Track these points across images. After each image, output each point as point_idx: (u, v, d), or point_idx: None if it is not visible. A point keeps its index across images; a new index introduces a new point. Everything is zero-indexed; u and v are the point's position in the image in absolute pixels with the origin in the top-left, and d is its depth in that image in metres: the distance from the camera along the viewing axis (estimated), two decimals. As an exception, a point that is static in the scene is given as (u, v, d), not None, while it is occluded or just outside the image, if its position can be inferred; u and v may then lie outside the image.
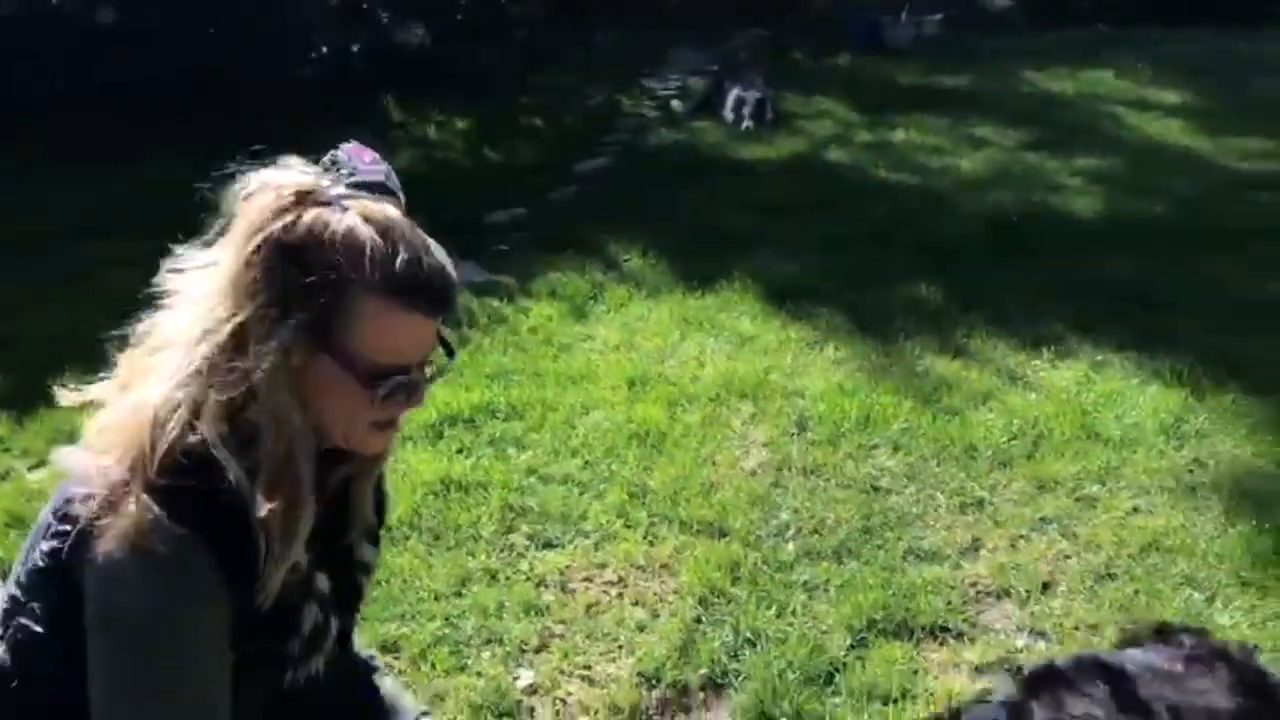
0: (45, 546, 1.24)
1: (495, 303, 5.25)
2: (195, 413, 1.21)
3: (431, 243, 1.27)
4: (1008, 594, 3.19)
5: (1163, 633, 1.26)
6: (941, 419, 4.03)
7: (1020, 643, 3.00)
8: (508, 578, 3.28)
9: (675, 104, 9.07)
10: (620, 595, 3.23)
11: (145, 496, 1.18)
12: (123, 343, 1.33)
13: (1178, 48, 10.08)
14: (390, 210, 1.25)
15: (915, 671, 2.90)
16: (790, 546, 3.40)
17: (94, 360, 1.39)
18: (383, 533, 1.58)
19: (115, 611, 1.19)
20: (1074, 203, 6.44)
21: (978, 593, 3.20)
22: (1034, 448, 3.86)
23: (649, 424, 4.04)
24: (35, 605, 1.27)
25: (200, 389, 1.21)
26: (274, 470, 1.22)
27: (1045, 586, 3.21)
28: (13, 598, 1.30)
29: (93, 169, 7.44)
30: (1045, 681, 1.21)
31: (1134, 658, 1.21)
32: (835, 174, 7.14)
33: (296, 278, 1.20)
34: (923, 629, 3.04)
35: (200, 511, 1.19)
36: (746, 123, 8.28)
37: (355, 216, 1.22)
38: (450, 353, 1.38)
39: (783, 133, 8.12)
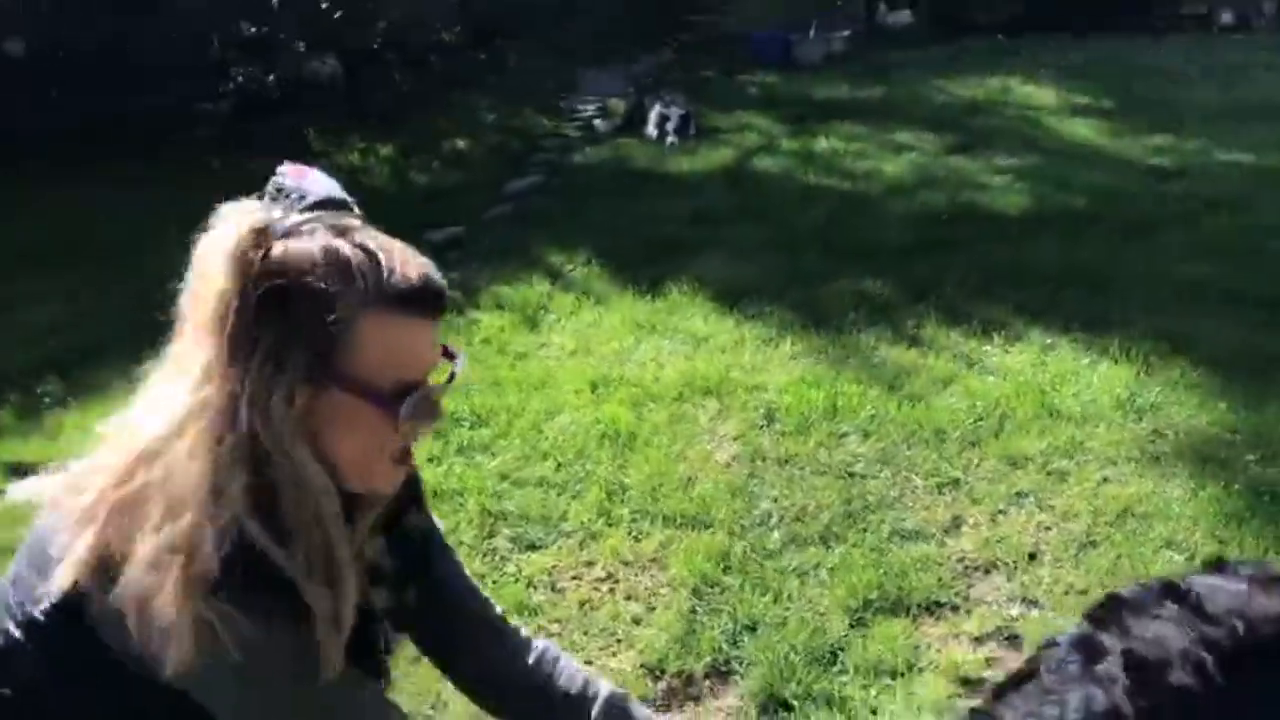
0: None
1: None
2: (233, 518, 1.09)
3: (406, 245, 1.18)
4: (995, 567, 3.23)
5: (1220, 565, 1.28)
6: (907, 405, 4.07)
7: (1014, 612, 3.03)
8: (495, 581, 3.22)
9: (597, 123, 9.10)
10: (612, 591, 3.19)
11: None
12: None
13: (1074, 56, 10.43)
14: (356, 223, 1.16)
15: (916, 646, 2.91)
16: (775, 534, 3.40)
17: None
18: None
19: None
20: (1001, 199, 6.59)
21: (966, 568, 3.23)
22: (1000, 427, 3.92)
23: (617, 424, 4.01)
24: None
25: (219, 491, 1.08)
26: (311, 551, 1.11)
27: (1031, 557, 3.25)
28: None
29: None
30: (1111, 610, 1.21)
31: (1199, 580, 1.22)
32: (765, 182, 7.22)
33: (285, 321, 1.10)
34: (918, 605, 3.06)
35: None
36: (671, 138, 8.33)
37: (326, 237, 1.12)
38: (451, 355, 1.26)
39: (707, 146, 8.19)
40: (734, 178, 7.34)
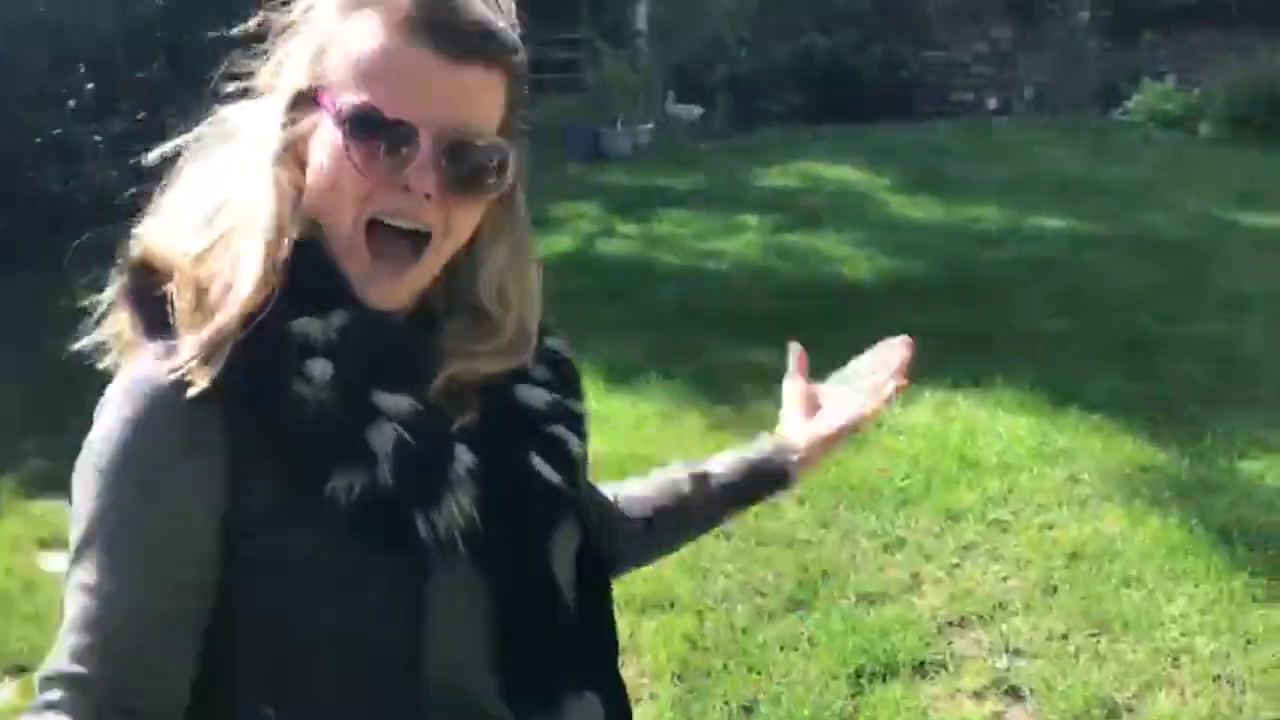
0: None
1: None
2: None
3: None
4: (969, 621, 3.18)
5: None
6: (832, 468, 4.02)
7: (1003, 663, 2.98)
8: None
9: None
10: (589, 686, 2.95)
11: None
12: None
13: (871, 139, 10.94)
14: None
15: (923, 709, 2.81)
16: (741, 609, 3.26)
17: None
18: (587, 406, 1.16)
19: None
20: (852, 270, 6.76)
21: (941, 624, 3.17)
22: (929, 483, 3.92)
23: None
24: None
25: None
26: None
27: (1000, 607, 3.23)
28: None
29: None
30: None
31: None
32: (615, 264, 7.18)
33: (292, 35, 1.00)
34: (907, 667, 2.97)
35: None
36: (502, 228, 8.21)
37: None
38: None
39: (542, 233, 8.09)
40: (581, 262, 7.26)
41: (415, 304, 1.03)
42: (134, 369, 0.95)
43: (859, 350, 1.40)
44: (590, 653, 1.09)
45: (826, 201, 8.55)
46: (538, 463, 1.04)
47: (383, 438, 0.94)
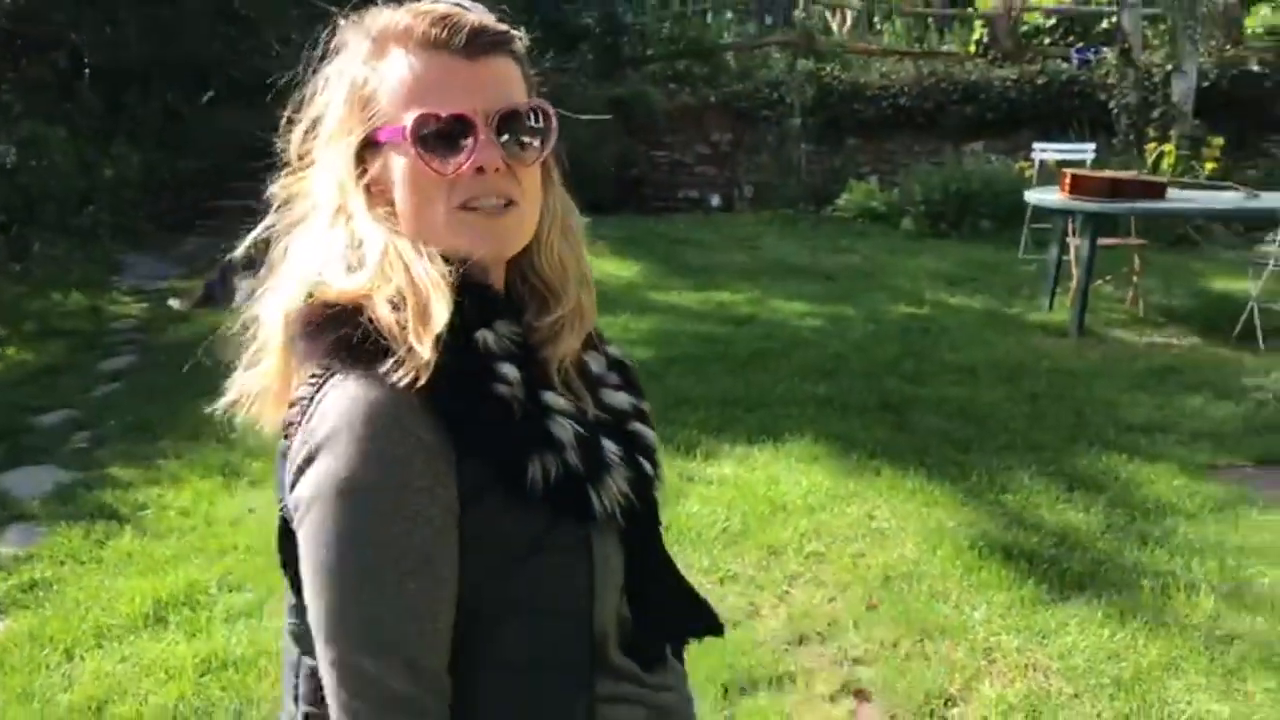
0: None
1: (117, 492, 4.68)
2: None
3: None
4: (809, 638, 3.53)
5: None
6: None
7: (846, 671, 3.34)
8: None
9: (173, 302, 8.61)
10: None
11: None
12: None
13: (614, 230, 11.51)
14: None
15: (788, 714, 3.12)
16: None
17: None
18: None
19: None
20: (632, 349, 7.14)
21: (784, 643, 3.50)
22: (746, 524, 4.28)
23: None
24: None
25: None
26: (386, 270, 1.10)
27: (833, 624, 3.60)
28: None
29: None
30: None
31: None
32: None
33: (335, 88, 1.17)
34: (765, 680, 3.28)
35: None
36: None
37: (383, 8, 1.18)
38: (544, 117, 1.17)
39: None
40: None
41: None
42: (353, 395, 1.04)
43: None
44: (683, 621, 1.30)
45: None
46: (641, 455, 1.21)
47: (564, 430, 1.11)
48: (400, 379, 1.03)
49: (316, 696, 1.11)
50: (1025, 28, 15.09)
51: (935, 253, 10.36)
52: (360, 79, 1.15)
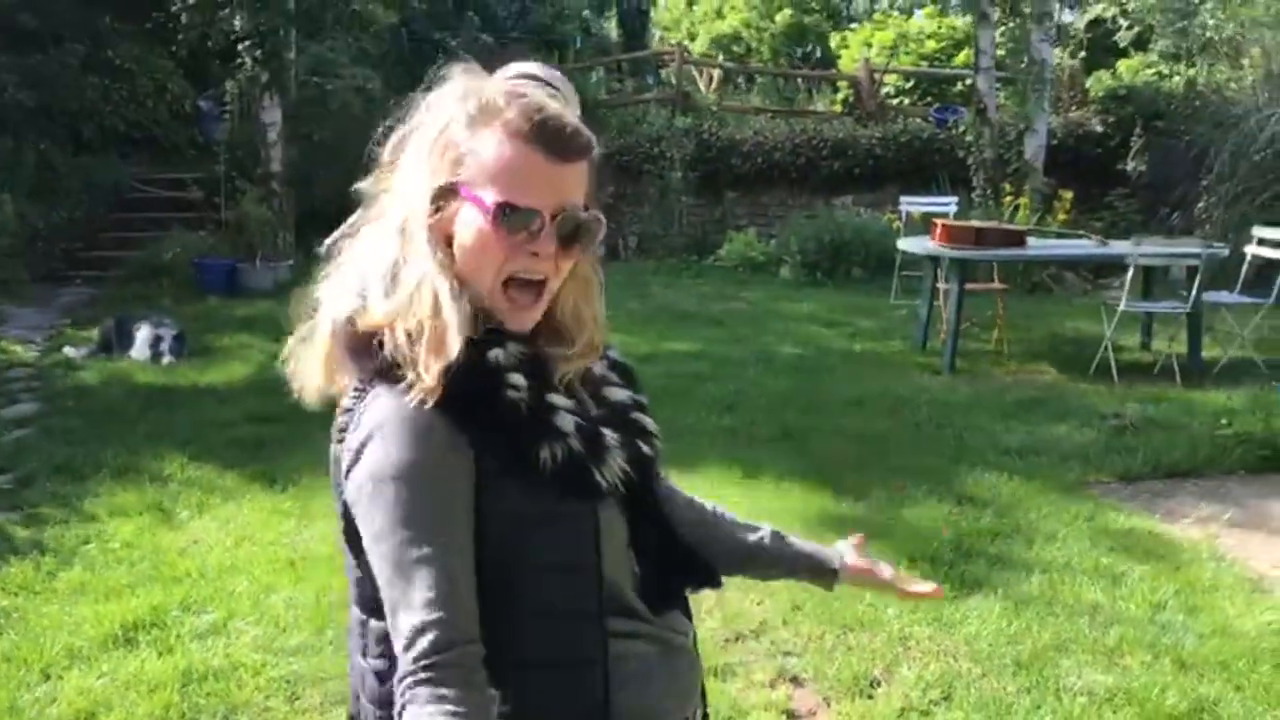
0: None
1: (54, 530, 4.76)
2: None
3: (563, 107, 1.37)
4: (744, 636, 3.88)
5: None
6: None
7: (780, 662, 3.70)
8: (340, 729, 3.20)
9: (69, 350, 8.56)
10: None
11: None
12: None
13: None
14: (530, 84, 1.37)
15: (734, 699, 3.46)
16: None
17: None
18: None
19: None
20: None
21: (722, 641, 3.85)
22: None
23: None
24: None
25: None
26: (408, 299, 1.32)
27: (764, 624, 3.96)
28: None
29: None
30: None
31: None
32: (305, 387, 7.37)
33: (448, 137, 1.34)
34: (710, 672, 3.59)
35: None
36: (168, 358, 8.13)
37: (499, 83, 1.37)
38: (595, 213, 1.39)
39: (215, 363, 8.13)
40: (266, 386, 7.41)
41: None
42: (388, 405, 1.29)
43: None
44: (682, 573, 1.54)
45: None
46: (639, 438, 1.44)
47: (566, 422, 1.34)
48: (412, 399, 1.27)
49: (381, 650, 1.34)
50: (886, 89, 16.04)
51: (813, 299, 10.94)
52: (456, 139, 1.34)
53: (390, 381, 1.30)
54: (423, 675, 1.21)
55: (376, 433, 1.28)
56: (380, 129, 1.42)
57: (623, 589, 1.41)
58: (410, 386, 1.28)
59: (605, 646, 1.36)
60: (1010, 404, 7.09)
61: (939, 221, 8.56)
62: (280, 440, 6.12)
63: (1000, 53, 12.85)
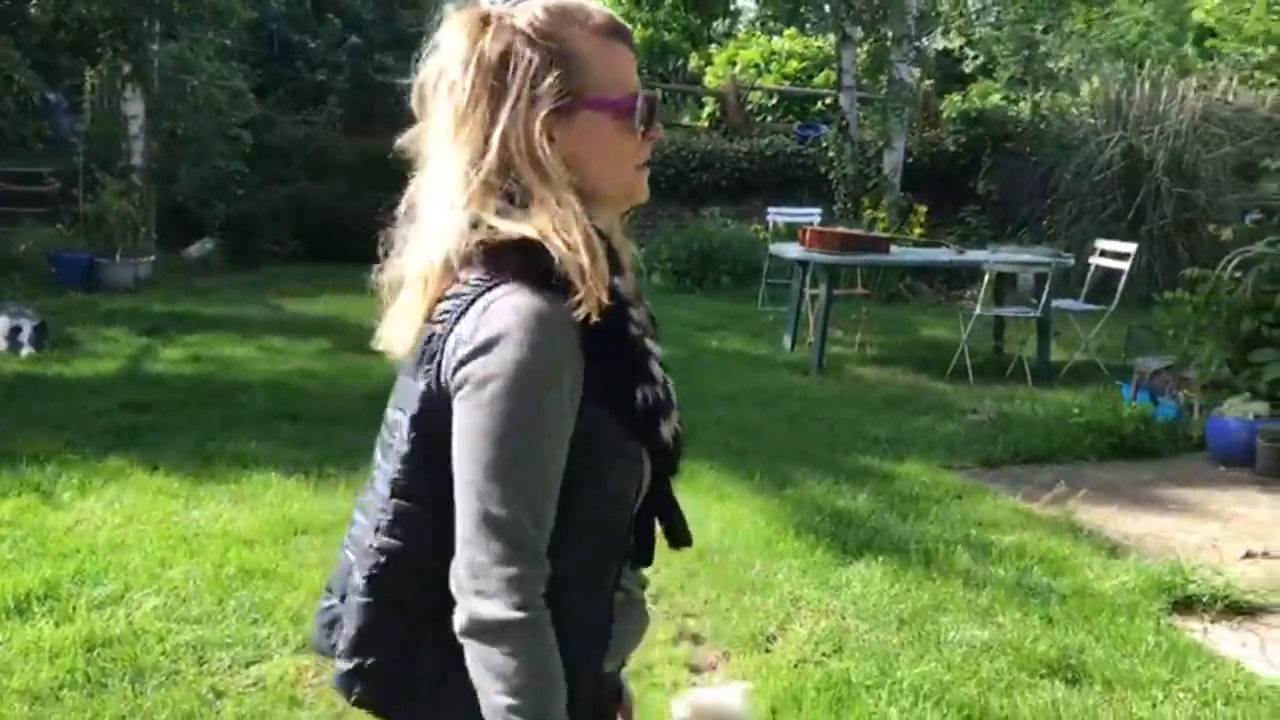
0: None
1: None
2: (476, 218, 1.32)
3: None
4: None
5: None
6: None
7: (680, 622, 3.85)
8: (264, 688, 3.22)
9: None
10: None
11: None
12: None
13: (364, 277, 11.73)
14: None
15: (639, 655, 3.58)
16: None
17: None
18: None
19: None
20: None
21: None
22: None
23: (254, 561, 4.10)
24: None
25: (480, 201, 1.32)
26: (550, 219, 1.31)
27: (661, 589, 4.09)
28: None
29: None
30: None
31: None
32: (178, 380, 7.21)
33: (528, 64, 1.32)
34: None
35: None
36: (27, 348, 7.85)
37: (537, 2, 1.36)
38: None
39: (79, 355, 7.88)
40: (142, 378, 7.24)
41: None
42: (525, 302, 1.27)
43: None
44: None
45: (361, 330, 9.13)
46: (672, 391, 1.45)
47: (657, 370, 1.39)
48: (581, 313, 1.27)
49: (395, 532, 1.35)
50: (750, 105, 16.51)
51: (686, 305, 11.19)
52: (539, 56, 1.32)
53: (532, 281, 1.28)
54: (515, 600, 1.24)
55: (513, 329, 1.26)
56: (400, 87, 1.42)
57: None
58: (566, 294, 1.27)
59: (619, 580, 1.39)
60: (876, 400, 7.43)
61: (808, 228, 8.91)
62: (159, 426, 6.03)
63: (860, 72, 13.40)
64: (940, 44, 17.02)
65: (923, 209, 12.50)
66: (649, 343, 1.41)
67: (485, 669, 1.25)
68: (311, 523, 4.57)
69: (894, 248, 9.19)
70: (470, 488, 1.26)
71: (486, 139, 1.32)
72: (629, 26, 1.44)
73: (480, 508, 1.25)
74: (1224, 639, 3.91)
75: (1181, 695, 3.42)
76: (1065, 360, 8.51)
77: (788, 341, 9.18)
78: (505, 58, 1.32)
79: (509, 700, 1.24)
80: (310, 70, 15.29)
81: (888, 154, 13.06)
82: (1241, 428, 5.99)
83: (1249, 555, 4.68)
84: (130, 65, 11.43)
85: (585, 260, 1.28)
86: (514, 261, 1.29)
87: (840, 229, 9.52)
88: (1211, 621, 4.04)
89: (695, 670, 3.57)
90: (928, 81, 15.97)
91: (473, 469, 1.26)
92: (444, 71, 1.36)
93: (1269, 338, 6.36)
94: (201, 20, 12.01)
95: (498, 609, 1.24)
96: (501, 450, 1.25)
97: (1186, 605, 4.12)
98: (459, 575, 1.27)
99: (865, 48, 13.47)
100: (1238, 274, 6.63)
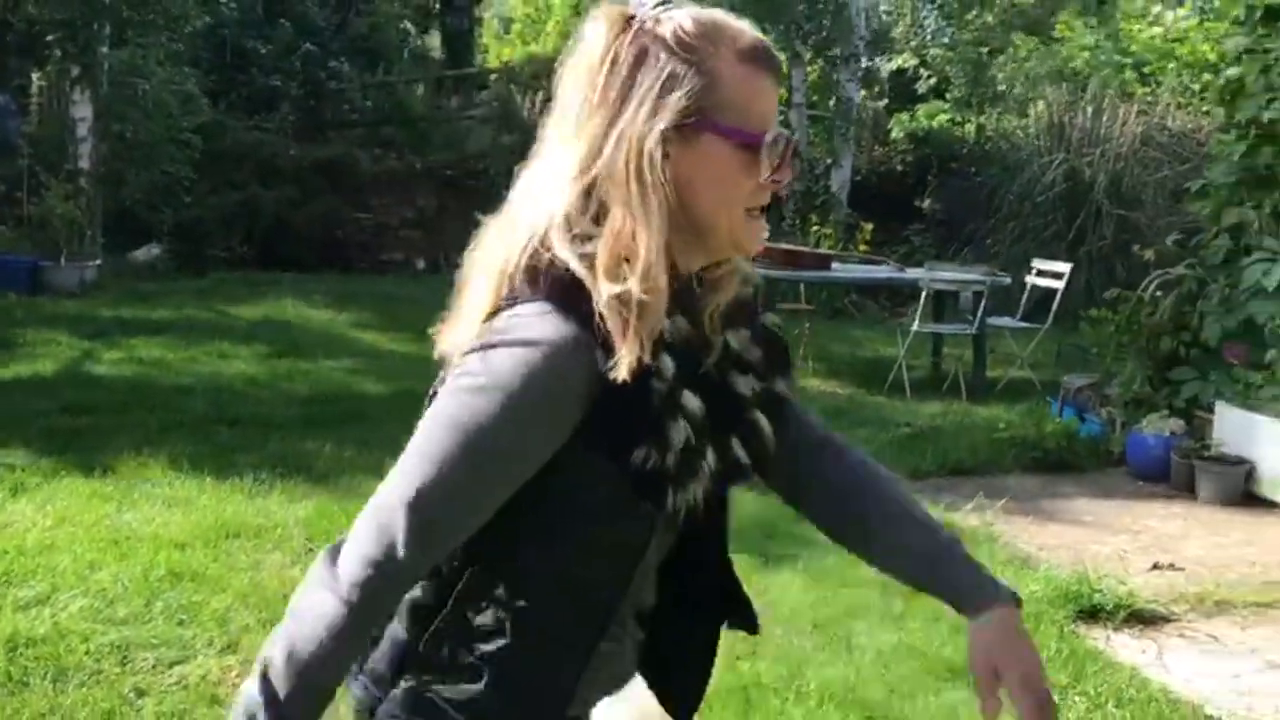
0: None
1: None
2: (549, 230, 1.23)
3: None
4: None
5: None
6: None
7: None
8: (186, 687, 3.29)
9: None
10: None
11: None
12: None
13: (327, 287, 11.73)
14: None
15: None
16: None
17: None
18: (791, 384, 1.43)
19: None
20: (354, 384, 7.53)
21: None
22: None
23: (184, 564, 4.16)
24: None
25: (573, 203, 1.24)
26: (617, 251, 1.20)
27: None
28: None
29: None
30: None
31: None
32: (119, 383, 7.20)
33: (659, 72, 1.23)
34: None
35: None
36: (-33, 350, 7.84)
37: (685, 11, 1.26)
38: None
39: (16, 359, 7.85)
40: (80, 381, 7.25)
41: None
42: (546, 322, 1.18)
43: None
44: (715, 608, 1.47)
45: (306, 335, 9.20)
46: (739, 454, 1.31)
47: (679, 433, 1.21)
48: (617, 375, 1.16)
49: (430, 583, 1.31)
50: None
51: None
52: (676, 69, 1.23)
53: (571, 309, 1.19)
54: (364, 578, 1.18)
55: (521, 341, 1.18)
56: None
57: (630, 604, 1.37)
58: (616, 364, 1.16)
59: (597, 639, 1.32)
60: (815, 412, 7.51)
61: (752, 242, 9.04)
62: (97, 429, 6.05)
63: (809, 91, 13.61)
64: (894, 64, 17.30)
65: (868, 227, 12.71)
66: (689, 397, 1.24)
67: (304, 600, 1.21)
68: (244, 526, 4.63)
69: (836, 264, 9.36)
70: (401, 461, 1.21)
71: (600, 142, 1.24)
72: (780, 58, 1.39)
73: (392, 483, 1.20)
74: (1125, 646, 4.07)
75: (1077, 699, 3.57)
76: (1001, 376, 8.71)
77: (731, 354, 9.30)
78: (640, 61, 1.23)
79: (289, 645, 1.18)
80: (263, 76, 15.28)
81: (835, 172, 13.28)
82: (1158, 444, 6.19)
83: (1156, 567, 4.86)
84: (79, 68, 11.40)
85: (631, 316, 1.17)
86: (556, 291, 1.21)
87: (784, 245, 9.67)
88: (1114, 630, 4.20)
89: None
90: (881, 101, 16.24)
91: (409, 448, 1.21)
92: (575, 66, 1.28)
93: (1186, 357, 6.57)
94: (154, 25, 12.02)
95: (344, 587, 1.18)
96: (432, 446, 1.19)
97: (1092, 614, 4.28)
98: (355, 523, 1.23)
99: (814, 67, 13.67)
100: (1159, 294, 6.84)
